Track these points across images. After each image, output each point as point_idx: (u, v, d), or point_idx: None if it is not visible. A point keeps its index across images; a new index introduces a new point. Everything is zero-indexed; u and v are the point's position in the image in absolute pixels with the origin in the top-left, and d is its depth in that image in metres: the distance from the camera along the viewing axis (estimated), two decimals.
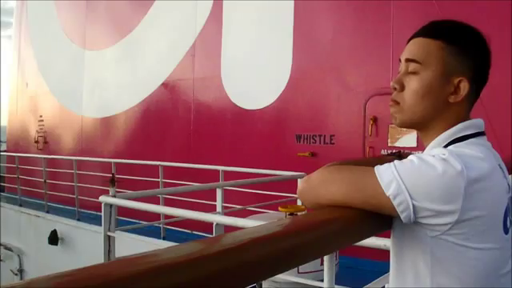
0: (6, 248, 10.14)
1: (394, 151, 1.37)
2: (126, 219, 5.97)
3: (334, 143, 6.33)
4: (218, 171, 5.97)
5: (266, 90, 7.15)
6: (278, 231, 0.83)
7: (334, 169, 1.04)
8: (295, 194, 3.83)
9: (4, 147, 14.10)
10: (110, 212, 3.64)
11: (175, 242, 5.20)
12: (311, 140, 6.55)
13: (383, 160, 1.09)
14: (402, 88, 1.10)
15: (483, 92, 1.13)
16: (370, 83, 5.94)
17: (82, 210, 8.45)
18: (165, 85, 8.66)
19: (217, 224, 3.01)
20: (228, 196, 4.73)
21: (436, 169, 0.92)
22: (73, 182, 8.54)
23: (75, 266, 0.60)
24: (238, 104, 7.50)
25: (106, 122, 9.91)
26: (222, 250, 0.69)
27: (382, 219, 1.00)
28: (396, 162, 0.97)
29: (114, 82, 9.82)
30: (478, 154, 0.99)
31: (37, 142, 11.82)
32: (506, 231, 1.02)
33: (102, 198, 3.68)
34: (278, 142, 6.94)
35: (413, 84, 1.08)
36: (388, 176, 0.94)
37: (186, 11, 8.39)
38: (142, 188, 5.99)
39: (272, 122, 7.10)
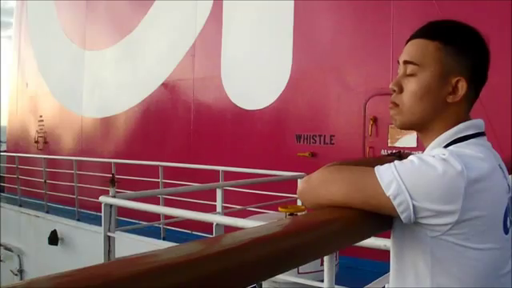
0: (6, 248, 10.13)
1: (394, 151, 1.37)
2: (126, 219, 5.96)
3: (333, 143, 6.33)
4: (217, 171, 5.97)
5: (265, 90, 7.15)
6: (278, 231, 0.83)
7: (334, 169, 1.04)
8: (295, 194, 3.83)
9: (4, 147, 14.10)
10: (110, 212, 3.65)
11: (175, 242, 5.19)
12: (311, 140, 6.55)
13: (383, 160, 1.09)
14: (401, 90, 1.10)
15: (483, 92, 1.13)
16: (370, 83, 5.93)
17: (82, 211, 8.44)
18: (165, 85, 8.66)
19: (217, 224, 3.01)
20: (228, 196, 4.74)
21: (436, 169, 0.93)
22: (73, 182, 8.53)
23: (75, 267, 0.60)
24: (237, 104, 7.49)
25: (106, 122, 9.90)
26: (221, 250, 0.69)
27: (382, 219, 1.00)
28: (396, 162, 0.97)
29: (114, 82, 9.82)
30: (478, 155, 0.99)
31: (37, 142, 11.81)
32: (506, 231, 1.02)
33: (102, 199, 3.69)
34: (278, 142, 6.94)
35: (411, 86, 1.08)
36: (388, 176, 0.94)
37: (186, 11, 8.39)
38: (142, 188, 5.98)
39: (272, 122, 7.09)
